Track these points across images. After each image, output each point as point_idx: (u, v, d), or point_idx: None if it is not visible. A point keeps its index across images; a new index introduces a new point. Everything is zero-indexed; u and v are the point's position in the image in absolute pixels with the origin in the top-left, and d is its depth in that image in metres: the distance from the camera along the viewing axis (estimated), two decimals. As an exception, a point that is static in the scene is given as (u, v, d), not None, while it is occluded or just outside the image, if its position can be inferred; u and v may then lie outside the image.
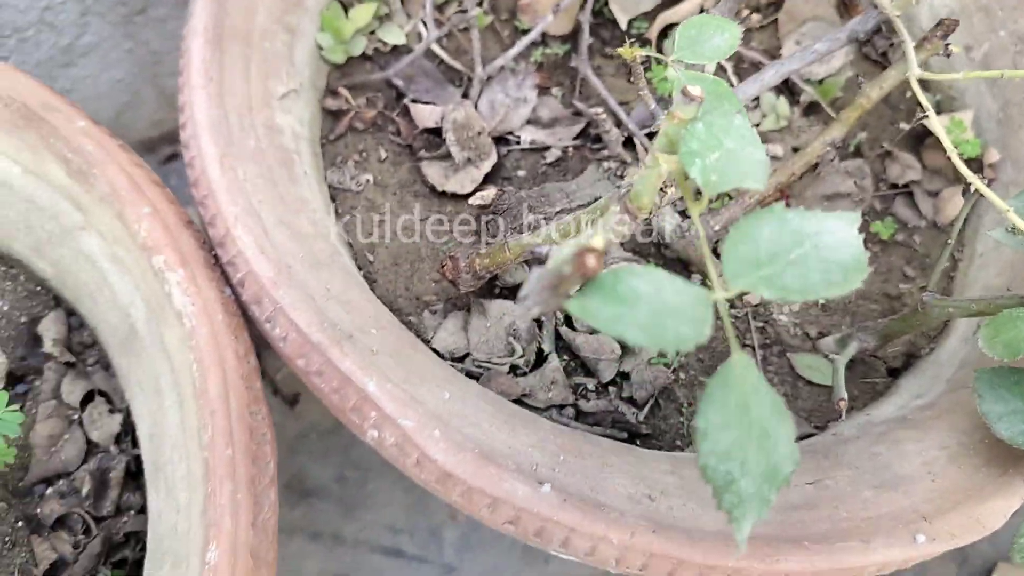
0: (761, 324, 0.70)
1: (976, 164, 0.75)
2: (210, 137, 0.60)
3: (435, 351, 0.66)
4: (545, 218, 0.68)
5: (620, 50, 0.51)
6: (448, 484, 0.52)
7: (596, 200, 0.72)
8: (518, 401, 0.65)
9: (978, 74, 0.56)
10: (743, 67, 0.82)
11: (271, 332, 0.57)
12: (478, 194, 0.68)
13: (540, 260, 0.40)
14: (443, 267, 0.65)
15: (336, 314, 0.58)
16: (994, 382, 0.54)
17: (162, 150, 1.22)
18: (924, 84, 0.81)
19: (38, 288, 0.69)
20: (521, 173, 0.76)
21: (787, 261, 0.35)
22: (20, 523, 0.61)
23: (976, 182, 0.53)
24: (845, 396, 0.55)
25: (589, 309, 0.31)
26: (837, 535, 0.51)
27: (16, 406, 0.59)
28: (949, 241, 0.58)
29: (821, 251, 0.36)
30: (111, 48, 1.04)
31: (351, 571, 0.99)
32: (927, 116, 0.55)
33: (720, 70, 0.81)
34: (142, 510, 0.63)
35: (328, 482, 1.04)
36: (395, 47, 0.77)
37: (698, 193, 0.37)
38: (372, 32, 0.76)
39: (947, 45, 0.62)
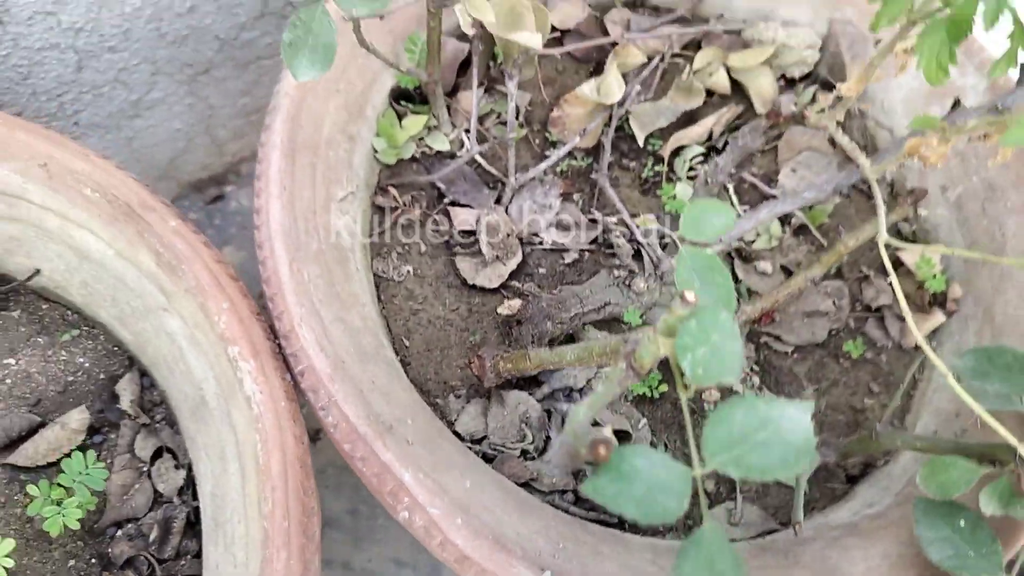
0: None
1: (942, 296, 0.86)
2: (282, 243, 0.70)
3: (457, 434, 0.76)
4: (560, 323, 0.78)
5: (639, 220, 0.61)
6: (465, 565, 0.62)
7: (605, 305, 0.82)
8: (526, 484, 0.75)
9: (936, 249, 0.66)
10: (744, 187, 0.92)
11: (324, 419, 0.67)
12: (506, 303, 0.78)
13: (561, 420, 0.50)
14: (470, 364, 0.75)
15: (379, 406, 0.68)
16: (929, 510, 0.65)
17: (209, 191, 1.32)
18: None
19: (115, 348, 0.79)
20: (542, 271, 0.87)
21: (753, 443, 0.45)
22: (93, 560, 0.71)
23: (925, 347, 0.63)
24: (801, 520, 0.66)
25: (599, 489, 0.41)
26: (786, 634, 0.62)
27: (101, 463, 0.70)
28: (902, 386, 0.68)
29: (780, 434, 0.46)
30: (174, 102, 1.14)
31: (359, 601, 1.09)
32: (891, 281, 0.66)
33: (723, 189, 0.91)
34: (197, 555, 0.73)
35: (341, 514, 1.15)
36: (439, 151, 0.87)
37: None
38: (421, 138, 0.86)
39: (916, 210, 0.72)
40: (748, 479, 0.58)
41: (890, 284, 0.88)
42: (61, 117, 1.05)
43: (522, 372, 0.72)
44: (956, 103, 0.69)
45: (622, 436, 0.77)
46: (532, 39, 0.72)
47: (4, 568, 0.59)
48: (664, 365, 0.82)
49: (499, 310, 0.78)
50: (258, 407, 0.65)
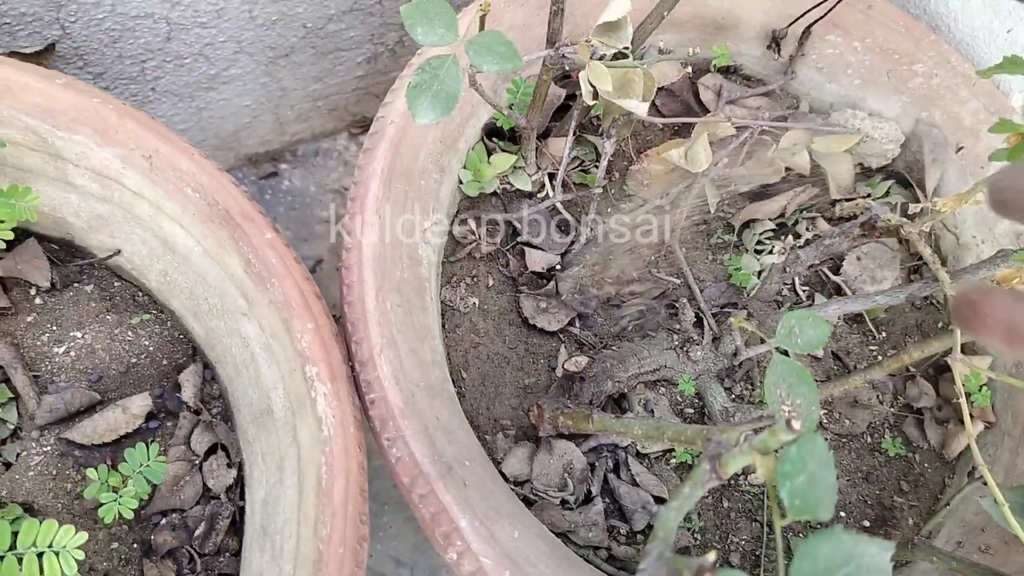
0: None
1: (983, 410, 0.88)
2: (371, 270, 0.71)
3: (502, 474, 0.78)
4: (618, 382, 0.80)
5: (732, 319, 0.63)
6: (509, 617, 0.64)
7: (660, 368, 0.84)
8: (562, 534, 0.77)
9: (1007, 379, 0.68)
10: (808, 269, 0.93)
11: (388, 449, 0.68)
12: (572, 360, 0.80)
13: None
14: (530, 411, 0.77)
15: (441, 444, 0.69)
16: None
17: (264, 166, 1.33)
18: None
19: (181, 337, 0.80)
20: (600, 319, 0.88)
21: (836, 576, 0.47)
22: (136, 545, 0.73)
23: (987, 476, 0.66)
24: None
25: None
26: None
27: (162, 457, 0.71)
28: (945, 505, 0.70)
29: (860, 570, 0.48)
30: (249, 80, 1.15)
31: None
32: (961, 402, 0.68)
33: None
34: (236, 553, 0.75)
35: (350, 509, 1.16)
36: (520, 190, 0.88)
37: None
38: (504, 175, 0.87)
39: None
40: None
41: (955, 402, 0.90)
42: (141, 81, 1.06)
43: (580, 431, 0.74)
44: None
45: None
46: (639, 107, 0.73)
47: (75, 559, 0.60)
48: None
49: (566, 365, 0.80)
50: (329, 430, 0.67)
